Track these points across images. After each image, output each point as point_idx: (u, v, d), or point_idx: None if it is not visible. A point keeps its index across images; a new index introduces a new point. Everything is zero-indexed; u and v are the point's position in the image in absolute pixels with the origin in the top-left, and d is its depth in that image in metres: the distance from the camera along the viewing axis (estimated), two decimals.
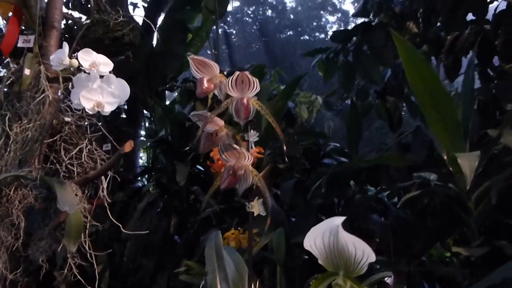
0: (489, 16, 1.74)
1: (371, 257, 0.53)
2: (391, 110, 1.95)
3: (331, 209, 1.85)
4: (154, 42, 2.90)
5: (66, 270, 1.46)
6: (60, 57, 1.42)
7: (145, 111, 3.06)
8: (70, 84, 1.46)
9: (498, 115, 1.55)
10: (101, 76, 1.41)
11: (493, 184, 1.06)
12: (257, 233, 1.47)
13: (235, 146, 0.76)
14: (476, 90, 1.61)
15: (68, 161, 1.66)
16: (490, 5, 1.61)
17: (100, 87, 1.37)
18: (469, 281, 1.17)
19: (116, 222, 1.58)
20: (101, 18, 2.04)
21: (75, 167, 1.67)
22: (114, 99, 1.39)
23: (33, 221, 1.43)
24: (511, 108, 1.36)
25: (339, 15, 16.75)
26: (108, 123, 2.03)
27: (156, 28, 2.84)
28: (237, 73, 0.76)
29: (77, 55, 1.40)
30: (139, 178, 2.78)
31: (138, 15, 3.28)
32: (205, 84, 0.82)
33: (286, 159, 1.97)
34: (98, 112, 1.34)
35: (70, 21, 2.40)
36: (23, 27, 1.91)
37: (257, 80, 0.76)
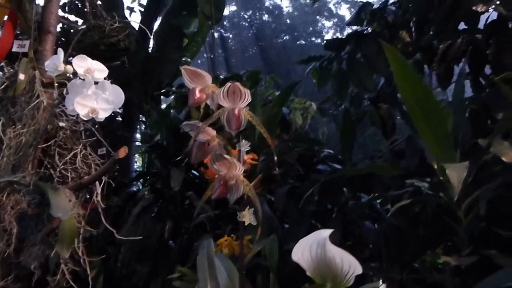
0: (481, 25, 1.77)
1: (358, 269, 0.54)
2: (385, 117, 1.96)
3: (325, 215, 1.86)
4: (151, 45, 2.91)
5: (59, 276, 1.46)
6: (55, 63, 1.43)
7: (140, 116, 3.07)
8: (65, 89, 1.47)
9: (490, 124, 1.57)
10: (96, 82, 1.42)
11: (482, 194, 1.07)
12: (250, 240, 1.47)
13: (226, 156, 0.77)
14: (468, 99, 1.63)
15: (62, 166, 1.66)
16: (482, 15, 1.63)
17: (95, 94, 1.38)
18: None
19: (110, 228, 1.58)
20: (97, 23, 2.04)
21: (69, 172, 1.67)
22: (109, 106, 1.39)
23: (25, 227, 1.43)
24: (501, 117, 1.37)
25: (335, 20, 16.83)
26: (103, 127, 2.04)
27: (152, 33, 2.85)
28: (229, 84, 0.77)
29: (72, 61, 1.41)
30: (134, 182, 2.78)
31: (135, 21, 3.27)
32: (197, 94, 0.83)
33: (280, 165, 1.99)
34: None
35: (66, 25, 2.40)
36: (18, 32, 1.91)
37: (248, 91, 0.77)
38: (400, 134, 2.12)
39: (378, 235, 1.64)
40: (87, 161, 1.73)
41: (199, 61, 9.38)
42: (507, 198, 1.14)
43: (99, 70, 1.42)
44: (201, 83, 0.85)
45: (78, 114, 1.36)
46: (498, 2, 1.58)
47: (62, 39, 2.50)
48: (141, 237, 1.86)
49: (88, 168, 1.72)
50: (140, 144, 3.04)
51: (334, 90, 2.07)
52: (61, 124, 1.70)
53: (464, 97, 1.39)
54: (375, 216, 1.80)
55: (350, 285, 0.57)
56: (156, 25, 3.09)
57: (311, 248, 0.55)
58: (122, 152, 1.50)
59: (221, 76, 2.93)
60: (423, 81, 1.09)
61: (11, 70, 1.74)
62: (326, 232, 0.54)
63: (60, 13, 2.34)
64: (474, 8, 1.42)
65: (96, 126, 1.83)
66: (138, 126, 3.15)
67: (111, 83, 1.44)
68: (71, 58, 1.45)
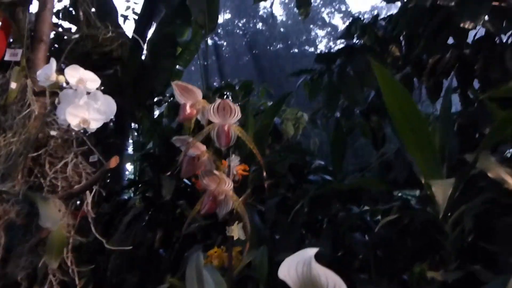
0: (470, 40, 1.80)
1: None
2: (375, 129, 1.99)
3: (315, 226, 1.87)
4: (144, 53, 2.92)
5: (46, 286, 1.45)
6: (47, 73, 1.43)
7: (132, 124, 3.07)
8: (57, 99, 1.47)
9: (478, 138, 1.60)
10: (88, 92, 1.42)
11: (468, 209, 1.09)
12: (240, 251, 1.48)
13: (215, 172, 0.78)
14: (456, 113, 1.65)
15: (52, 175, 1.66)
16: (470, 31, 1.67)
17: (87, 104, 1.38)
18: None
19: (100, 238, 1.57)
20: (90, 32, 2.05)
21: (59, 181, 1.67)
22: (100, 116, 1.40)
23: (13, 237, 1.42)
24: (488, 132, 1.39)
25: (329, 29, 17.01)
26: (95, 134, 2.03)
27: (146, 41, 2.86)
28: (219, 100, 0.78)
29: (64, 70, 1.41)
30: (125, 190, 2.77)
31: (128, 29, 3.28)
32: (188, 110, 0.84)
33: (272, 175, 1.99)
34: None
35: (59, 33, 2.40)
36: (11, 40, 1.91)
37: (238, 107, 0.78)
38: (392, 143, 2.14)
39: (367, 246, 1.65)
40: (78, 170, 1.72)
41: (192, 68, 9.40)
42: (493, 213, 1.15)
43: (92, 80, 1.42)
44: (192, 99, 0.86)
45: (69, 124, 1.36)
46: (486, 19, 1.61)
47: (56, 45, 2.50)
48: (131, 247, 1.85)
49: (78, 177, 1.71)
50: (132, 152, 3.03)
51: (324, 102, 2.09)
52: (52, 133, 1.70)
53: (451, 111, 1.41)
54: (365, 228, 1.81)
55: None
56: (150, 33, 3.10)
57: (297, 266, 0.56)
58: (113, 162, 1.50)
59: (215, 84, 2.94)
60: (410, 97, 1.11)
61: (3, 78, 1.74)
62: (312, 251, 0.55)
63: (54, 19, 2.34)
64: (462, 25, 1.45)
65: (88, 133, 1.82)
66: (130, 134, 3.15)
67: (104, 91, 1.44)
68: (64, 65, 1.46)
